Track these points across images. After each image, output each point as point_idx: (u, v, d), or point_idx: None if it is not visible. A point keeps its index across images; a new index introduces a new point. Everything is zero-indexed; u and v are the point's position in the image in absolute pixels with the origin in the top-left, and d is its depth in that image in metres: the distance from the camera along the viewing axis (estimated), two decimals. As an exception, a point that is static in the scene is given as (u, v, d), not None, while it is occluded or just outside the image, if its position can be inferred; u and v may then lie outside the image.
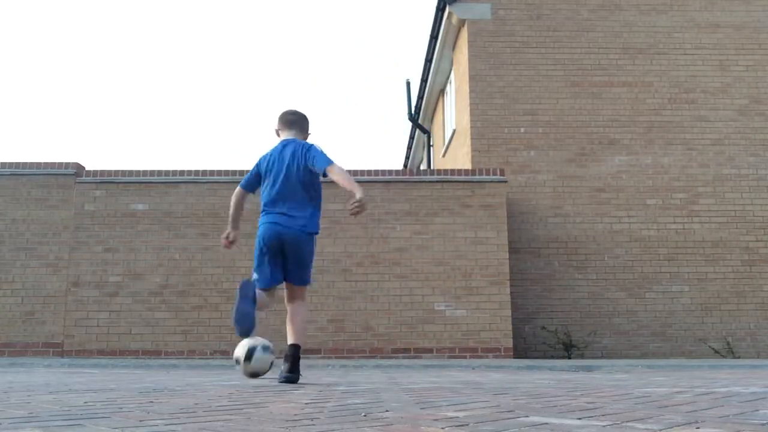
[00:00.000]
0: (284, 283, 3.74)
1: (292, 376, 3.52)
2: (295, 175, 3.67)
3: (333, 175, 3.56)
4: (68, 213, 8.09)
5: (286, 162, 3.70)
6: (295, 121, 3.90)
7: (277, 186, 3.69)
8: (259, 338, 3.59)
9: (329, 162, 3.62)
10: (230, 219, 3.89)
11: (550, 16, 9.87)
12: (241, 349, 3.52)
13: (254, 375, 3.60)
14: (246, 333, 3.46)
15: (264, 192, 3.77)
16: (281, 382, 3.55)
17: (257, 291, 3.56)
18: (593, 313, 9.04)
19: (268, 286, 3.69)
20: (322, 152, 3.69)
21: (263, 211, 3.73)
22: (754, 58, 9.85)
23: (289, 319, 3.68)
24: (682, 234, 9.29)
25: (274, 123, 3.96)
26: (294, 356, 3.55)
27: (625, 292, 9.11)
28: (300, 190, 3.68)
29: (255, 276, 3.70)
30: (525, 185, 9.33)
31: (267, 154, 3.83)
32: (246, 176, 3.88)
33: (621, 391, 3.24)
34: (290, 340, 3.61)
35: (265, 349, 3.53)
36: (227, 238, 3.86)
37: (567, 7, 9.89)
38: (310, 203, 3.73)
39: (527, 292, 9.06)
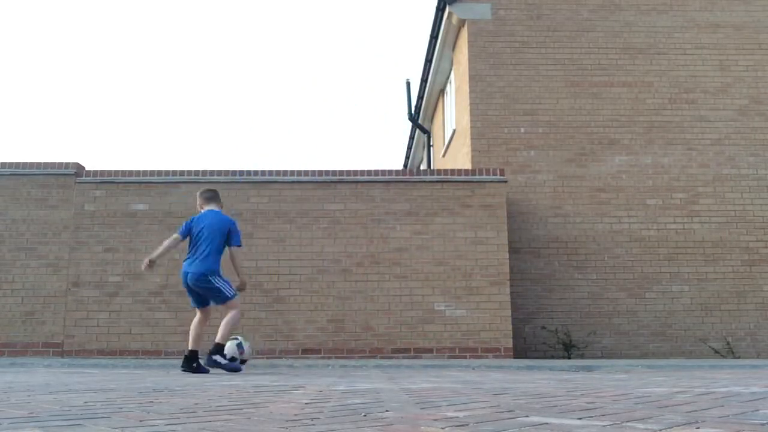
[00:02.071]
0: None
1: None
2: (215, 235, 5.19)
3: (235, 253, 5.30)
4: (68, 213, 8.08)
5: (206, 225, 5.21)
6: (211, 198, 5.46)
7: (195, 240, 5.22)
8: (234, 341, 5.42)
9: (240, 244, 5.36)
10: (159, 254, 5.24)
11: (550, 16, 9.87)
12: (232, 350, 5.34)
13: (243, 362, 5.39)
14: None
15: (189, 244, 5.29)
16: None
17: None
18: (593, 313, 9.04)
19: (194, 306, 5.36)
20: (239, 233, 5.37)
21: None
22: (754, 58, 9.85)
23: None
24: (682, 234, 9.29)
25: (198, 201, 5.55)
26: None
27: (625, 292, 9.11)
28: (212, 246, 5.20)
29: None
30: (525, 185, 9.33)
31: (195, 217, 5.33)
32: (182, 229, 5.32)
33: (621, 391, 3.24)
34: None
35: (240, 346, 5.40)
36: (152, 260, 5.22)
37: (567, 7, 9.89)
38: (217, 255, 5.24)
39: (527, 292, 9.05)
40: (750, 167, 9.52)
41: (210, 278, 5.13)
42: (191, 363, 5.10)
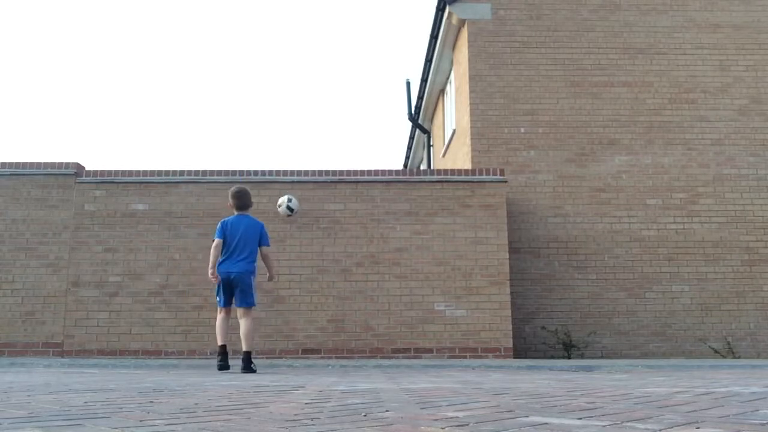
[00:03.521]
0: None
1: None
2: (251, 240, 5.69)
3: (266, 252, 5.81)
4: (68, 213, 8.08)
5: (242, 231, 5.67)
6: (242, 206, 5.82)
7: (234, 244, 5.64)
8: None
9: (269, 244, 5.86)
10: (213, 263, 5.64)
11: (550, 16, 9.86)
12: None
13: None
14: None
15: (225, 246, 5.69)
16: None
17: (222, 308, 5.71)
18: (593, 313, 9.03)
19: (225, 306, 5.67)
20: (268, 236, 5.87)
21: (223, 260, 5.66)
22: (754, 58, 9.85)
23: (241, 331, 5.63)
24: (682, 234, 9.29)
25: (230, 201, 5.86)
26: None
27: (625, 292, 9.11)
28: (250, 248, 5.70)
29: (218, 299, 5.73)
30: (525, 185, 9.32)
31: (229, 221, 5.73)
32: (217, 233, 5.71)
33: (621, 391, 3.24)
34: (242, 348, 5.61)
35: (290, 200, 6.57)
36: (214, 275, 5.67)
37: (567, 7, 9.89)
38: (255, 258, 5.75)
39: (527, 292, 9.05)
40: (750, 167, 9.52)
41: (252, 277, 5.65)
42: (226, 357, 5.46)
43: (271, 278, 5.98)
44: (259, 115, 50.87)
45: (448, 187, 8.19)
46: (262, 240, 5.76)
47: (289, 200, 6.53)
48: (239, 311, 5.60)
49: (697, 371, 5.85)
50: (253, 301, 5.60)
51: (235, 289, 5.58)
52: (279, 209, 6.65)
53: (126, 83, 45.07)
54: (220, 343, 5.53)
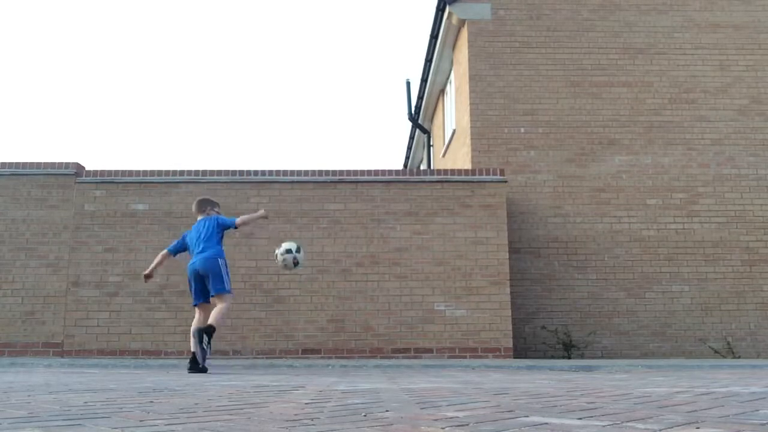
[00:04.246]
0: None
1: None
2: (205, 233, 5.60)
3: (241, 225, 5.70)
4: (68, 213, 8.08)
5: (198, 230, 5.66)
6: (199, 210, 5.84)
7: (194, 244, 5.62)
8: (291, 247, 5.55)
9: (233, 220, 5.68)
10: (153, 266, 5.77)
11: (550, 16, 9.86)
12: (288, 247, 5.56)
13: (294, 263, 5.56)
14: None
15: (189, 251, 5.71)
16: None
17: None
18: (593, 313, 9.03)
19: (196, 303, 5.58)
20: (225, 219, 5.74)
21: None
22: (754, 58, 9.85)
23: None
24: (682, 234, 9.29)
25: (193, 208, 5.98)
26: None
27: (625, 292, 9.11)
28: (207, 240, 5.60)
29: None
30: (525, 185, 9.32)
31: (188, 231, 5.81)
32: (174, 244, 5.82)
33: (621, 391, 3.25)
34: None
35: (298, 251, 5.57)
36: (148, 275, 5.74)
37: (567, 7, 9.89)
38: (220, 245, 5.66)
39: (527, 292, 9.05)
40: (750, 167, 9.52)
41: (219, 260, 5.50)
42: (197, 364, 5.28)
43: (263, 216, 5.78)
44: (259, 115, 50.86)
45: (448, 187, 8.19)
46: (227, 225, 5.65)
47: (297, 250, 5.53)
48: (215, 299, 5.45)
49: (697, 371, 5.85)
50: (224, 287, 5.42)
51: (206, 279, 5.45)
52: (282, 261, 5.56)
53: (126, 83, 45.07)
54: (192, 349, 5.33)
